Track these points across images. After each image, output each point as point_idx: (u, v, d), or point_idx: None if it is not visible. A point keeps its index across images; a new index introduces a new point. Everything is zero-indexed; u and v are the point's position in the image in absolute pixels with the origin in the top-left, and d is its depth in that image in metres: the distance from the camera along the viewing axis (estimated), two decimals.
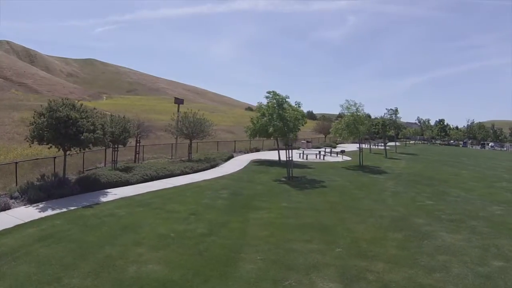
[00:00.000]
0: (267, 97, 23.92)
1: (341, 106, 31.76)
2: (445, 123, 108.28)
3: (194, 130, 26.62)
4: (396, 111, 46.57)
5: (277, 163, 30.83)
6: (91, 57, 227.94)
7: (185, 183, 20.17)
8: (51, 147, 15.75)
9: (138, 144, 25.03)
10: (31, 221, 12.26)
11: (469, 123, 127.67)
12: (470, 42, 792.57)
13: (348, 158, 38.51)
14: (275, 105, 23.54)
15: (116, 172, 18.99)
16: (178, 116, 28.01)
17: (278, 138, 31.26)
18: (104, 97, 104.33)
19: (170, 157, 29.05)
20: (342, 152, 38.27)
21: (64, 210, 13.70)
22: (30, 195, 14.43)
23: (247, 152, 38.97)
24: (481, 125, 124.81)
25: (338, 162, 35.63)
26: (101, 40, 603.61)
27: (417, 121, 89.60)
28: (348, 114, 31.83)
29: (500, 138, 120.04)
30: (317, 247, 10.87)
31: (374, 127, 47.75)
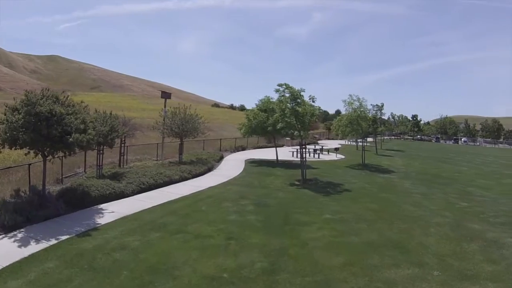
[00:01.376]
0: (277, 90, 20.59)
1: (344, 101, 28.93)
2: (418, 119, 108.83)
3: (185, 128, 22.84)
4: (381, 107, 44.40)
5: (276, 163, 27.68)
6: (55, 53, 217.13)
7: (190, 192, 16.53)
8: (28, 152, 11.65)
9: (123, 145, 21.00)
10: (10, 265, 8.31)
11: (441, 118, 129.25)
12: (433, 39, 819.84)
13: (342, 156, 35.86)
14: (288, 100, 20.19)
15: (106, 181, 15.07)
16: (165, 113, 24.11)
17: (274, 136, 28.11)
18: (69, 94, 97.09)
19: (156, 159, 25.14)
20: (336, 149, 35.54)
21: (54, 241, 9.79)
22: (3, 220, 10.36)
23: (234, 151, 35.63)
24: (451, 120, 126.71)
25: (335, 160, 32.93)
26: (65, 36, 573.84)
27: (390, 117, 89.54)
28: (351, 110, 29.06)
29: (473, 133, 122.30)
30: (411, 272, 8.89)
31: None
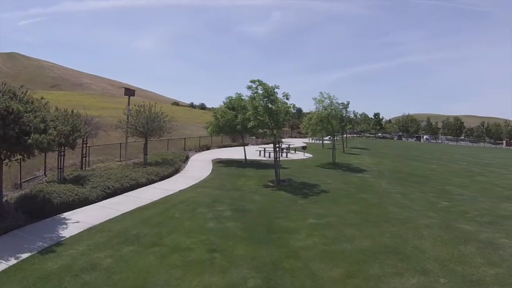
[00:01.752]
0: (249, 87, 19.44)
1: (314, 99, 28.22)
2: (380, 117, 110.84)
3: (151, 128, 21.32)
4: (347, 105, 44.29)
5: (245, 163, 26.62)
6: (15, 50, 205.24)
7: (160, 196, 15.12)
8: None
9: (85, 145, 19.24)
10: None
11: (404, 115, 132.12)
12: (392, 39, 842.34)
13: (310, 155, 35.29)
14: (261, 97, 19.15)
15: (69, 186, 13.43)
16: (129, 111, 22.47)
17: (243, 135, 27.07)
18: (27, 90, 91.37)
19: (119, 159, 23.44)
20: (304, 148, 34.89)
21: (14, 261, 8.20)
22: None
23: (198, 151, 34.20)
24: (413, 118, 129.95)
25: (304, 159, 32.29)
26: (25, 33, 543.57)
27: (352, 115, 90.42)
28: (321, 108, 28.42)
29: (435, 131, 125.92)
30: (416, 281, 8.25)
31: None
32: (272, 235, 10.92)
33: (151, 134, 21.85)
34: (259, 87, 19.35)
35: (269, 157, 31.62)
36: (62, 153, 15.16)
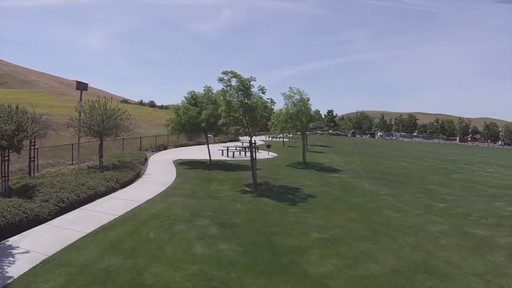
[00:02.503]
0: (221, 80, 17.00)
1: (283, 94, 26.21)
2: (333, 114, 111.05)
3: (107, 126, 18.43)
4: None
5: (210, 165, 24.17)
6: None
7: (125, 210, 12.41)
8: None
9: (33, 147, 16.07)
10: None
11: (358, 112, 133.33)
12: (341, 37, 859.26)
13: (274, 154, 33.37)
14: (235, 90, 16.86)
15: (15, 201, 10.51)
16: (81, 107, 19.39)
17: (207, 134, 24.73)
18: None
19: (71, 163, 20.30)
20: (268, 147, 32.87)
21: None
22: None
23: (155, 151, 31.32)
24: (365, 115, 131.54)
25: (271, 159, 30.32)
26: None
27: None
28: (290, 104, 26.51)
29: (389, 127, 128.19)
30: None
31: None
32: (279, 259, 8.75)
33: (107, 133, 18.92)
34: (233, 79, 17.01)
35: (233, 157, 29.43)
36: (6, 157, 12.08)
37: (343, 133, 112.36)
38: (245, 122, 17.49)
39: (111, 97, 19.61)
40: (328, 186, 18.93)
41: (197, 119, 22.70)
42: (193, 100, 24.13)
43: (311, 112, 27.85)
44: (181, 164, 23.74)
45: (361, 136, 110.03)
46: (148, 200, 13.89)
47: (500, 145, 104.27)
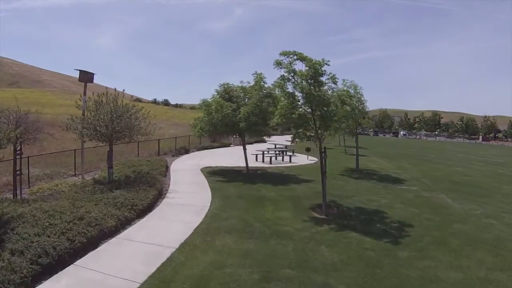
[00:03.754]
0: (278, 64, 11.80)
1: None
2: None
3: (117, 128, 13.45)
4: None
5: (248, 174, 19.11)
6: None
7: (149, 270, 7.37)
8: None
9: (18, 156, 11.20)
10: None
11: (381, 110, 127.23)
12: (350, 36, 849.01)
13: (314, 159, 28.02)
14: (304, 77, 11.66)
15: None
16: (84, 102, 14.46)
17: (244, 135, 19.66)
18: None
19: (74, 173, 15.44)
20: (308, 150, 27.52)
21: None
22: None
23: (176, 155, 26.30)
24: (386, 114, 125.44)
25: (312, 165, 25.00)
26: None
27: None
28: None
29: (411, 126, 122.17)
30: None
31: None
32: None
33: (118, 137, 13.96)
34: (297, 62, 11.85)
35: (270, 163, 24.22)
36: None
37: (365, 132, 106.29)
38: (313, 123, 12.33)
39: (123, 95, 14.56)
40: (411, 205, 14.08)
41: (233, 118, 17.59)
42: (226, 94, 18.98)
43: (366, 109, 22.34)
44: (212, 174, 18.63)
45: (384, 135, 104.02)
46: (182, 244, 8.80)
47: None
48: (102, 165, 17.70)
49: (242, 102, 18.40)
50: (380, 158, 32.19)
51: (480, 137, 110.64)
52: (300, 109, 12.12)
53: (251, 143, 39.45)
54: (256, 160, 24.85)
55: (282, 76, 12.13)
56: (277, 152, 26.85)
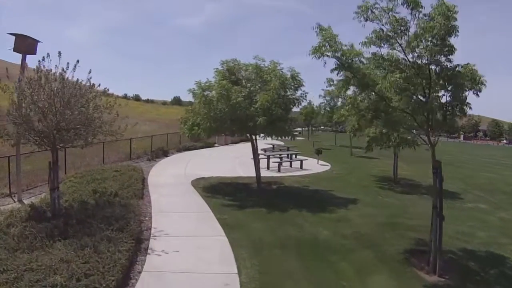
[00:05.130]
0: (364, 11, 6.00)
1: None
2: None
3: (68, 120, 7.19)
4: None
5: (261, 190, 13.07)
6: None
7: None
8: None
9: None
10: None
11: None
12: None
13: (325, 163, 22.21)
14: (435, 35, 5.83)
15: None
16: (19, 82, 8.04)
17: (255, 134, 13.57)
18: None
19: (9, 193, 9.26)
20: (319, 153, 21.66)
21: None
22: None
23: (152, 159, 19.85)
24: None
25: (328, 172, 19.24)
26: None
27: None
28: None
29: None
30: None
31: None
32: None
33: (66, 138, 7.72)
34: (401, 7, 6.04)
35: (279, 170, 18.08)
36: None
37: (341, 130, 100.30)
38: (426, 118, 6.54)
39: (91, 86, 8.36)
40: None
41: (246, 110, 11.42)
42: (232, 75, 12.69)
43: None
44: (210, 192, 12.38)
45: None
46: None
47: None
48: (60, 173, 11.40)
49: (257, 86, 12.33)
50: (392, 160, 26.58)
51: (462, 136, 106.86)
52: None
53: (236, 143, 33.35)
54: (265, 166, 18.75)
55: (375, 30, 6.24)
56: (283, 155, 20.80)
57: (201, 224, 9.01)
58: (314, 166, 20.51)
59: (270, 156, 19.18)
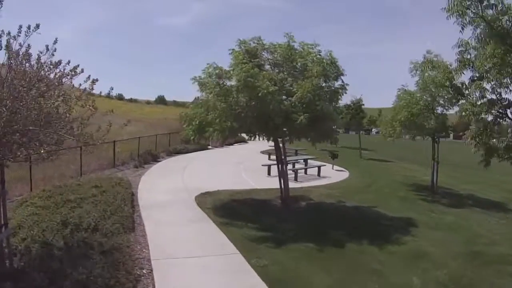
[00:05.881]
0: None
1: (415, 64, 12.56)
2: None
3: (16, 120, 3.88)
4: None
5: (289, 211, 9.73)
6: None
7: None
8: None
9: None
10: None
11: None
12: (311, 32, 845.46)
13: (343, 170, 18.98)
14: None
15: None
16: None
17: (287, 139, 10.14)
18: None
19: None
20: (334, 157, 18.42)
21: None
22: None
23: (140, 165, 16.38)
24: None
25: (353, 180, 16.10)
26: None
27: None
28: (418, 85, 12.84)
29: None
30: None
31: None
32: None
33: (11, 147, 4.33)
34: None
35: (296, 179, 14.67)
36: None
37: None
38: None
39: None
40: None
41: (280, 104, 8.02)
42: (253, 57, 9.21)
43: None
44: (226, 217, 8.89)
45: (356, 133, 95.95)
46: None
47: None
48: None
49: (292, 72, 9.01)
50: (412, 164, 23.58)
51: (451, 135, 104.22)
52: None
53: (230, 144, 30.00)
54: (269, 174, 15.44)
55: None
56: (299, 160, 17.51)
57: (233, 280, 5.66)
58: (330, 172, 17.34)
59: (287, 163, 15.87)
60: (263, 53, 9.37)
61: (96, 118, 5.53)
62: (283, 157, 10.17)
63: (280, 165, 10.25)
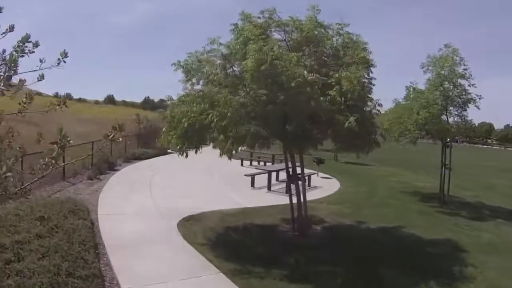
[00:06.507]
0: None
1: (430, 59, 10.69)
2: None
3: None
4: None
5: (310, 246, 7.30)
6: None
7: None
8: None
9: None
10: None
11: None
12: None
13: (329, 176, 16.86)
14: None
15: None
16: None
17: (303, 148, 7.62)
18: None
19: None
20: (320, 162, 16.16)
21: None
22: None
23: (95, 176, 13.25)
24: None
25: (347, 190, 14.02)
26: None
27: None
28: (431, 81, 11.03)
29: None
30: None
31: None
32: None
33: None
34: None
35: (287, 192, 12.22)
36: None
37: None
38: None
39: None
40: None
41: (322, 102, 5.49)
42: (264, 35, 6.46)
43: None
44: (229, 259, 6.29)
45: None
46: None
47: None
48: None
49: (322, 57, 6.56)
50: (395, 168, 21.89)
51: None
52: None
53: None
54: (253, 186, 12.88)
55: None
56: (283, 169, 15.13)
57: None
58: (318, 180, 15.20)
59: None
60: (274, 32, 6.84)
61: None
62: (294, 169, 7.71)
63: (290, 180, 7.79)
